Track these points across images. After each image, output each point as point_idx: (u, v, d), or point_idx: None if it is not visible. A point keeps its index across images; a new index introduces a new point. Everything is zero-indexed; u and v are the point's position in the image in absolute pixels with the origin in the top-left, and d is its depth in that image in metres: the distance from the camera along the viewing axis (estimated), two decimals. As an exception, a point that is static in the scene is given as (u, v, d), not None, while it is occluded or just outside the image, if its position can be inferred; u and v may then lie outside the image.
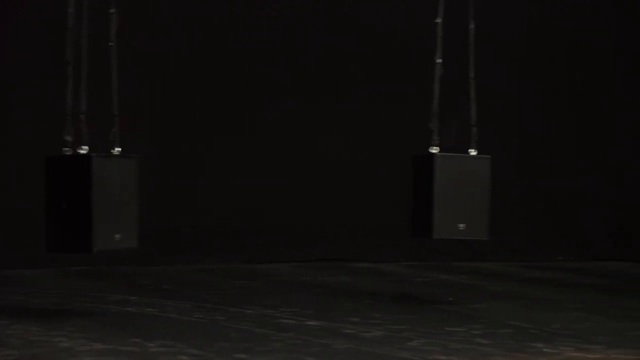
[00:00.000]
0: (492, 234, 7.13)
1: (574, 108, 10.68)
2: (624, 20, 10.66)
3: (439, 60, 7.01)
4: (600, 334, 5.90)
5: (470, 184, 7.00)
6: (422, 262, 9.74)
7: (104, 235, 6.00)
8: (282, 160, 9.90)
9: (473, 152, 7.07)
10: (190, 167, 9.71)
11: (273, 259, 9.58)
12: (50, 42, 6.77)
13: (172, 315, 6.44)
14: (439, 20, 6.99)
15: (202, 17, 9.70)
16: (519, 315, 6.57)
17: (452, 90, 7.02)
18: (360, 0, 10.07)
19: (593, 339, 5.75)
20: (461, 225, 6.94)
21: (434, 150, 6.94)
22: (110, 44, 6.38)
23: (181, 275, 8.69)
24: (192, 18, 9.68)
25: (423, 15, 7.20)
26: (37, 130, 8.56)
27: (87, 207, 5.91)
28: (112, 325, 6.03)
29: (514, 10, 10.40)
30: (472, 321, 6.28)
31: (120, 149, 6.31)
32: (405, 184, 7.12)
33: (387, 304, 7.17)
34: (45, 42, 8.43)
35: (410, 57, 9.30)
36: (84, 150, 6.14)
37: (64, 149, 6.14)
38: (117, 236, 6.11)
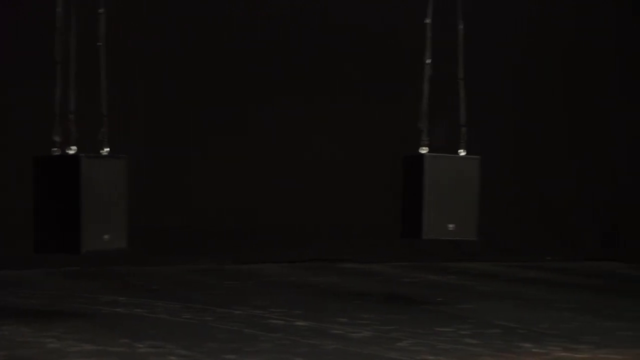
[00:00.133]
0: (481, 234, 7.15)
1: (567, 108, 10.70)
2: (620, 20, 10.68)
3: (429, 61, 7.03)
4: (588, 334, 5.92)
5: (460, 184, 7.01)
6: (411, 262, 9.75)
7: (92, 236, 5.99)
8: (274, 161, 9.89)
9: (462, 153, 7.09)
10: (182, 168, 9.69)
11: (263, 259, 9.58)
12: (40, 42, 6.75)
13: (161, 316, 6.44)
14: (428, 20, 7.01)
15: (195, 16, 9.69)
16: (508, 315, 6.59)
17: (442, 90, 7.03)
18: (354, 0, 10.07)
19: (581, 338, 5.77)
20: (450, 226, 6.95)
21: (424, 150, 6.95)
22: (98, 44, 6.37)
23: (172, 276, 8.68)
24: (184, 17, 9.67)
25: (417, 16, 7.19)
26: (28, 131, 8.54)
27: (75, 207, 5.89)
28: (101, 326, 6.02)
29: (510, 11, 10.41)
30: (461, 321, 6.30)
31: (109, 149, 6.30)
32: (396, 185, 7.13)
33: (376, 305, 7.17)
34: (36, 42, 8.41)
35: (403, 58, 9.30)
36: (72, 150, 6.12)
37: (53, 149, 6.13)
38: (106, 237, 6.10)
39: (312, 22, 9.94)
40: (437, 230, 6.95)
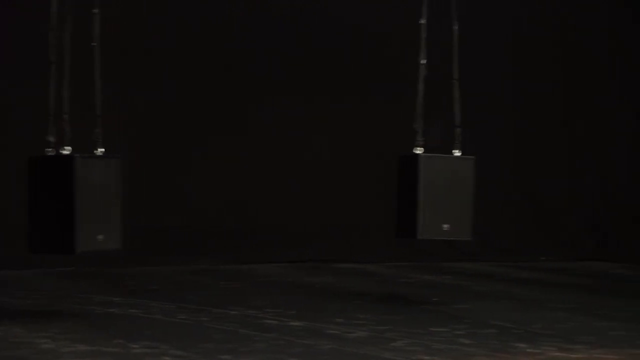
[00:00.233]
0: (476, 234, 7.15)
1: (562, 109, 10.71)
2: (618, 20, 10.68)
3: (424, 61, 7.03)
4: (583, 334, 5.93)
5: (455, 184, 7.02)
6: (408, 262, 9.76)
7: (87, 236, 5.98)
8: (271, 161, 9.89)
9: (457, 153, 7.09)
10: (179, 168, 9.68)
11: (260, 259, 9.57)
12: (35, 42, 6.75)
13: (156, 317, 6.43)
14: (423, 21, 7.01)
15: (191, 16, 9.68)
16: (503, 316, 6.59)
17: (437, 90, 7.04)
18: (352, 1, 10.07)
19: (576, 339, 5.78)
20: (445, 226, 6.95)
21: (419, 150, 6.95)
22: (93, 44, 6.36)
23: (169, 276, 8.67)
24: (180, 17, 9.66)
25: (415, 16, 7.19)
26: (26, 131, 8.53)
27: (70, 208, 5.89)
28: (96, 326, 6.02)
29: (510, 11, 10.42)
30: (456, 321, 6.30)
31: (103, 150, 6.29)
32: (392, 185, 7.13)
33: (372, 305, 7.17)
34: (30, 42, 8.40)
35: (400, 58, 9.30)
36: (66, 150, 6.12)
37: (47, 149, 6.13)
38: (101, 237, 6.09)
39: (311, 23, 9.93)
40: (432, 231, 6.96)
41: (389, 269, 9.50)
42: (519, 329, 6.06)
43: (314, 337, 5.70)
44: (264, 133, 9.90)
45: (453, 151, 7.08)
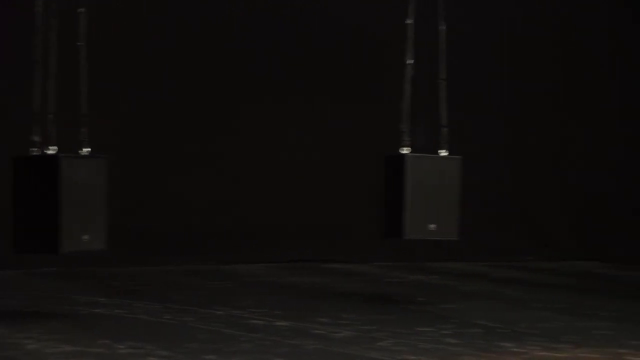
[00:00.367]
0: (462, 234, 7.16)
1: (551, 110, 10.73)
2: (616, 19, 10.70)
3: (410, 61, 7.03)
4: (568, 334, 5.95)
5: (441, 184, 7.02)
6: (394, 262, 9.76)
7: (72, 237, 5.96)
8: (258, 161, 9.88)
9: (444, 153, 7.10)
10: (170, 168, 9.65)
11: (246, 259, 9.56)
12: (20, 42, 6.72)
13: (141, 317, 6.42)
14: (410, 21, 7.02)
15: (191, 16, 9.66)
16: (489, 315, 6.60)
17: (424, 90, 7.04)
18: (352, 1, 10.06)
19: (561, 338, 5.79)
20: (431, 226, 6.96)
21: (405, 150, 6.96)
22: (79, 43, 6.34)
23: (155, 277, 8.65)
24: (180, 17, 9.63)
25: (402, 16, 7.19)
26: (6, 131, 8.49)
27: (54, 208, 5.87)
28: (81, 327, 6.00)
29: (505, 11, 10.43)
30: (443, 321, 6.31)
31: (89, 149, 6.27)
32: (380, 185, 7.13)
33: (358, 305, 7.17)
34: (15, 41, 8.37)
35: (386, 58, 9.30)
36: (52, 150, 6.09)
37: (32, 149, 6.10)
38: (86, 237, 6.07)
39: (293, 22, 9.91)
40: (419, 231, 6.96)
41: (375, 269, 9.51)
42: (505, 329, 6.07)
43: (300, 337, 5.70)
44: (248, 134, 9.88)
45: (439, 151, 7.09)
